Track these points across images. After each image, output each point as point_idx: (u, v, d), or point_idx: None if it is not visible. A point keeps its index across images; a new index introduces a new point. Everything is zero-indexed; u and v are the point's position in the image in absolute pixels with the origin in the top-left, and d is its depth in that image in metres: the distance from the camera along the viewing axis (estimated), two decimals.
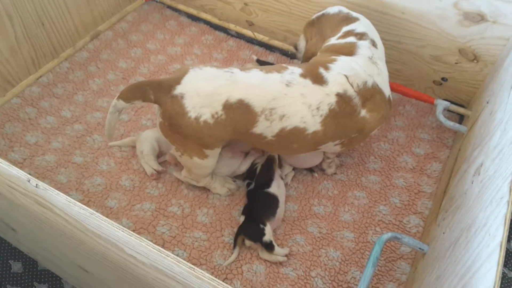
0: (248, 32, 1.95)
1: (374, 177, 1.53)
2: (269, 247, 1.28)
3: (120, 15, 2.00)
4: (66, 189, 1.43)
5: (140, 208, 1.40)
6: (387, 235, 1.23)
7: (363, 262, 1.33)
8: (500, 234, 0.74)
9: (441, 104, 1.57)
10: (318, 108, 1.19)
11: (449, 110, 1.69)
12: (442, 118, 1.53)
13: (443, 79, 1.69)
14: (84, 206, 0.70)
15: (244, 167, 1.46)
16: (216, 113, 1.16)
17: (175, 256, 0.64)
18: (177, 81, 1.17)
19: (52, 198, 0.73)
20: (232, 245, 1.33)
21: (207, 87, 1.16)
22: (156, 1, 2.07)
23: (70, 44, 1.85)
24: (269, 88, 1.18)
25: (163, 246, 1.32)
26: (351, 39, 1.31)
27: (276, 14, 1.87)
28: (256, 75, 1.21)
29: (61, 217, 0.78)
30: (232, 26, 1.97)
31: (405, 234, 1.39)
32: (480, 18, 1.48)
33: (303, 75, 1.22)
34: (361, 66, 1.24)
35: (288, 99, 1.18)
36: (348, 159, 1.58)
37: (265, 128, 1.20)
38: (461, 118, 1.70)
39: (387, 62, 1.74)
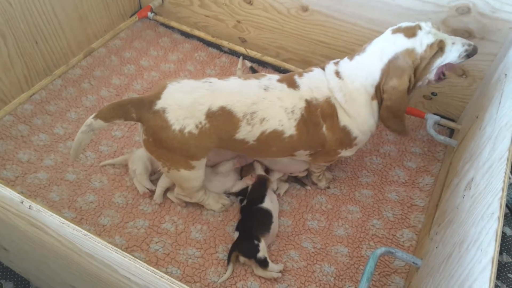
0: (240, 49, 1.97)
1: (367, 191, 1.54)
2: (263, 263, 1.28)
3: (113, 32, 2.02)
4: (58, 207, 1.42)
5: (133, 225, 1.39)
6: (381, 250, 1.23)
7: (357, 277, 1.33)
8: (491, 250, 0.75)
9: (432, 118, 1.60)
10: (292, 112, 1.23)
11: (439, 124, 1.71)
12: (433, 132, 1.55)
13: (433, 93, 1.72)
14: (77, 227, 0.70)
15: (236, 188, 1.47)
16: (200, 122, 1.18)
17: (169, 277, 0.64)
18: (157, 96, 1.19)
19: (46, 220, 0.73)
20: (226, 261, 1.33)
21: (188, 99, 1.18)
22: (150, 19, 2.09)
23: (64, 62, 1.86)
24: (249, 93, 1.22)
25: (156, 264, 1.31)
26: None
27: (268, 31, 1.89)
28: (234, 82, 1.25)
29: (54, 238, 0.77)
30: (225, 43, 1.99)
31: (398, 248, 1.40)
32: (468, 34, 1.51)
33: (279, 80, 1.27)
34: (327, 83, 1.26)
35: (267, 102, 1.22)
36: (341, 173, 1.59)
37: (247, 132, 1.22)
38: (451, 132, 1.73)
39: None
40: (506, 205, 1.62)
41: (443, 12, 1.50)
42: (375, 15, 1.61)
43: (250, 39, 1.98)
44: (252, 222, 1.36)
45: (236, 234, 1.35)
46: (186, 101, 1.18)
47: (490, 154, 1.03)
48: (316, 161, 1.40)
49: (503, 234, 1.52)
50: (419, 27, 1.20)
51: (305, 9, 1.74)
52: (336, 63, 1.30)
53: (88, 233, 0.69)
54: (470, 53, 1.23)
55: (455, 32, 1.52)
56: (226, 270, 1.30)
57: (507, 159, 0.90)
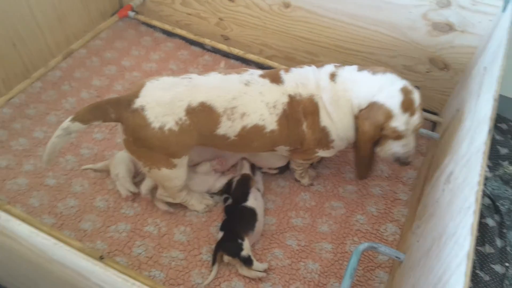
0: (223, 47, 1.96)
1: (350, 187, 1.53)
2: (247, 262, 1.27)
3: (93, 32, 1.98)
4: (38, 213, 1.40)
5: (115, 229, 1.38)
6: (364, 245, 1.23)
7: (342, 273, 1.33)
8: (467, 244, 0.75)
9: None
10: (274, 107, 1.23)
11: None
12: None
13: (415, 87, 1.72)
14: (46, 236, 0.68)
15: (219, 184, 1.46)
16: (180, 119, 1.17)
17: (141, 284, 0.63)
18: (135, 95, 1.17)
19: (15, 229, 0.71)
20: (210, 262, 1.32)
21: (167, 96, 1.17)
22: (131, 18, 2.06)
23: (43, 64, 1.82)
24: (229, 88, 1.21)
25: (139, 268, 1.30)
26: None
27: (251, 28, 1.88)
28: (214, 77, 1.24)
29: (25, 247, 0.76)
30: (207, 41, 1.98)
31: (382, 242, 1.40)
32: (448, 28, 1.52)
33: (262, 76, 1.27)
34: (314, 81, 1.25)
35: (248, 97, 1.21)
36: (325, 169, 1.59)
37: (228, 128, 1.21)
38: (434, 125, 1.73)
39: None
40: (489, 196, 1.63)
41: (424, 6, 1.50)
42: (356, 10, 1.60)
43: (233, 36, 1.97)
44: (236, 221, 1.36)
45: (221, 234, 1.34)
46: (165, 98, 1.16)
47: (468, 147, 1.03)
48: (295, 157, 1.40)
49: (486, 225, 1.53)
50: (412, 93, 1.19)
51: (287, 5, 1.73)
52: (338, 67, 1.28)
53: (58, 242, 0.67)
54: (400, 161, 1.26)
55: (436, 26, 1.52)
56: (211, 271, 1.29)
57: (483, 152, 0.90)
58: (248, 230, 1.33)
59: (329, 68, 1.28)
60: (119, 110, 1.16)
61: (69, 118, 1.15)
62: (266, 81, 1.25)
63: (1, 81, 1.68)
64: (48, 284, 0.89)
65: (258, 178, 1.50)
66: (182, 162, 1.26)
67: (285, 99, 1.24)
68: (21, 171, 1.50)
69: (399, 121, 1.18)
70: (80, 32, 1.95)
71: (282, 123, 1.24)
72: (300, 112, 1.25)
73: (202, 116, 1.18)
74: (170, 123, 1.16)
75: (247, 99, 1.21)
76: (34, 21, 1.72)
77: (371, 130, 1.20)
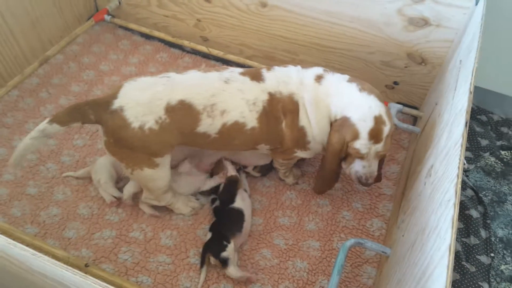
0: (203, 48, 1.95)
1: (336, 184, 1.54)
2: (224, 263, 1.26)
3: (69, 37, 1.95)
4: (21, 223, 1.37)
5: (100, 236, 1.36)
6: (350, 242, 1.24)
7: (330, 270, 1.34)
8: (449, 237, 0.76)
9: (394, 107, 1.62)
10: (254, 104, 1.23)
11: (402, 113, 1.73)
12: (396, 121, 1.57)
13: (395, 83, 1.74)
14: (24, 247, 0.67)
15: (207, 186, 1.45)
16: (160, 118, 1.16)
17: None
18: (114, 96, 1.17)
19: None
20: (198, 265, 1.31)
21: (146, 95, 1.16)
22: (107, 22, 2.04)
23: (18, 71, 1.78)
24: (208, 86, 1.21)
25: (126, 274, 1.28)
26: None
27: (229, 28, 1.87)
28: (194, 75, 1.24)
29: (4, 259, 0.74)
30: (186, 43, 1.96)
31: (369, 238, 1.41)
32: (424, 22, 1.53)
33: (242, 74, 1.27)
34: (297, 80, 1.26)
35: (227, 94, 1.21)
36: (310, 167, 1.59)
37: (208, 125, 1.21)
38: (415, 120, 1.75)
39: (339, 69, 1.78)
40: (472, 188, 1.66)
41: (398, 1, 1.51)
42: (333, 8, 1.61)
43: (212, 37, 1.96)
44: (224, 223, 1.35)
45: (209, 235, 1.33)
46: (143, 97, 1.16)
47: (447, 140, 1.04)
48: (275, 156, 1.41)
49: (470, 217, 1.55)
50: (384, 124, 1.20)
51: (264, 4, 1.73)
52: (327, 71, 1.29)
53: (36, 252, 0.66)
54: (360, 181, 1.28)
55: (411, 21, 1.54)
56: (200, 274, 1.28)
57: (461, 145, 0.91)
58: (236, 232, 1.32)
59: (317, 70, 1.29)
60: (98, 112, 1.15)
61: (47, 120, 1.14)
62: (246, 79, 1.26)
63: None
64: None
65: (243, 179, 1.50)
66: (165, 162, 1.25)
67: (265, 97, 1.24)
68: (1, 181, 1.46)
69: (362, 145, 1.20)
70: (55, 38, 1.92)
71: (262, 121, 1.24)
72: (280, 110, 1.25)
73: (182, 114, 1.18)
74: (150, 122, 1.16)
75: (227, 96, 1.21)
76: (6, 26, 1.68)
77: (338, 143, 1.22)
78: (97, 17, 2.00)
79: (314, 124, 1.25)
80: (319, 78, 1.26)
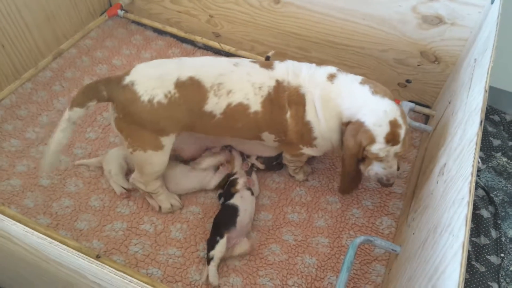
0: (215, 44, 1.95)
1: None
2: (208, 261, 1.27)
3: (83, 32, 1.97)
4: (33, 214, 1.39)
5: (111, 228, 1.37)
6: (360, 239, 1.24)
7: (338, 267, 1.34)
8: (462, 235, 0.76)
9: (406, 106, 1.61)
10: (260, 88, 1.24)
11: (414, 111, 1.72)
12: (408, 119, 1.56)
13: (407, 81, 1.73)
14: (42, 235, 0.68)
15: (214, 183, 1.45)
16: (169, 92, 1.19)
17: (138, 281, 0.62)
18: (126, 73, 1.22)
19: (9, 229, 0.70)
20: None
21: (157, 71, 1.21)
22: (120, 17, 2.05)
23: (33, 64, 1.80)
24: (217, 66, 1.25)
25: (136, 266, 1.30)
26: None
27: (241, 24, 1.87)
28: (204, 58, 1.31)
29: (21, 247, 0.75)
30: (198, 38, 1.97)
31: (378, 236, 1.41)
32: (438, 20, 1.52)
33: (252, 61, 1.30)
34: (307, 74, 1.26)
35: (235, 75, 1.24)
36: (320, 164, 1.59)
37: (215, 104, 1.23)
38: (427, 118, 1.74)
39: (351, 67, 1.77)
40: (483, 188, 1.64)
41: None
42: (346, 5, 1.61)
43: (224, 33, 1.96)
44: (219, 218, 1.37)
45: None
46: (155, 73, 1.21)
47: (461, 139, 1.04)
48: (283, 149, 1.41)
49: (480, 217, 1.54)
50: (400, 127, 1.19)
51: (277, 1, 1.73)
52: (341, 72, 1.28)
53: (53, 241, 0.67)
54: (381, 182, 1.27)
55: (426, 19, 1.53)
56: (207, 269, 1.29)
57: (476, 143, 0.91)
58: (230, 226, 1.32)
59: (331, 69, 1.29)
60: (110, 88, 1.19)
61: (67, 109, 1.19)
62: (256, 65, 1.29)
63: None
64: (45, 284, 0.88)
65: (254, 179, 1.49)
66: (169, 143, 1.27)
67: (272, 83, 1.25)
68: (14, 172, 1.49)
69: (380, 149, 1.20)
70: (69, 32, 1.94)
71: (266, 106, 1.25)
72: (285, 99, 1.25)
73: (191, 90, 1.21)
74: (159, 96, 1.18)
75: (234, 77, 1.24)
76: (22, 21, 1.70)
77: (354, 148, 1.22)
78: (111, 12, 2.02)
79: (322, 121, 1.25)
80: (331, 77, 1.26)
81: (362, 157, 1.25)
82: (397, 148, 1.21)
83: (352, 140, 1.22)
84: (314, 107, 1.24)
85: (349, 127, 1.22)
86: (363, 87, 1.23)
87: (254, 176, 1.50)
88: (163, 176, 1.40)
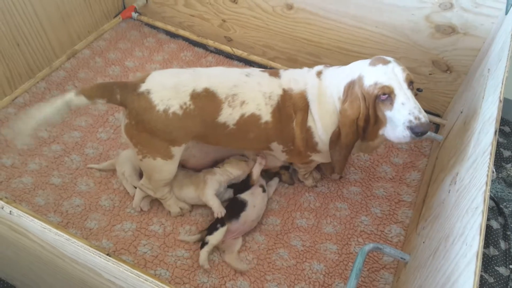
0: (227, 48, 1.97)
1: (354, 188, 1.54)
2: (202, 245, 1.31)
3: (97, 33, 1.99)
4: (44, 211, 1.40)
5: (121, 228, 1.38)
6: (369, 246, 1.23)
7: (346, 274, 1.33)
8: (476, 244, 0.76)
9: None
10: (270, 97, 1.25)
11: None
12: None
13: (418, 89, 1.73)
14: (59, 232, 0.69)
15: (256, 172, 1.44)
16: (185, 103, 1.19)
17: (154, 280, 0.63)
18: (142, 80, 1.22)
19: (27, 225, 0.71)
20: (216, 261, 1.33)
21: (172, 81, 1.21)
22: (134, 19, 2.07)
23: (47, 64, 1.83)
24: (231, 77, 1.26)
25: (145, 267, 1.30)
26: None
27: (254, 29, 1.89)
28: (217, 69, 1.31)
29: (37, 244, 0.76)
30: (210, 42, 1.98)
31: (387, 243, 1.41)
32: (451, 30, 1.53)
33: (262, 71, 1.32)
34: (305, 78, 1.27)
35: (247, 86, 1.25)
36: None
37: (228, 115, 1.23)
38: (437, 127, 1.74)
39: None
40: (492, 199, 1.64)
41: (426, 8, 1.51)
42: (358, 12, 1.61)
43: (236, 38, 1.98)
44: (227, 209, 1.38)
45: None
46: (170, 83, 1.21)
47: (474, 148, 1.04)
48: (292, 160, 1.40)
49: (490, 228, 1.53)
50: (386, 62, 1.15)
51: (290, 7, 1.74)
52: (327, 67, 1.31)
53: (71, 238, 0.67)
54: (414, 130, 1.08)
55: (439, 28, 1.53)
56: (216, 271, 1.29)
57: (490, 153, 0.90)
58: (232, 218, 1.34)
59: (318, 67, 1.32)
60: (125, 93, 1.20)
61: (74, 92, 1.17)
62: (265, 74, 1.31)
63: (6, 81, 1.68)
64: (58, 281, 0.89)
65: (274, 184, 1.52)
66: (179, 153, 1.28)
67: (280, 92, 1.27)
68: (26, 170, 1.50)
69: (374, 74, 1.13)
70: (83, 33, 1.96)
71: (275, 116, 1.26)
72: (291, 107, 1.26)
73: (206, 101, 1.21)
74: (174, 107, 1.19)
75: (247, 88, 1.25)
76: (38, 21, 1.73)
77: (355, 107, 1.15)
78: (125, 14, 2.04)
79: (318, 122, 1.25)
80: (319, 74, 1.29)
81: (373, 120, 1.17)
82: (395, 68, 1.13)
83: (347, 103, 1.17)
84: (311, 111, 1.25)
85: (341, 101, 1.20)
86: (341, 67, 1.27)
87: (274, 181, 1.53)
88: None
